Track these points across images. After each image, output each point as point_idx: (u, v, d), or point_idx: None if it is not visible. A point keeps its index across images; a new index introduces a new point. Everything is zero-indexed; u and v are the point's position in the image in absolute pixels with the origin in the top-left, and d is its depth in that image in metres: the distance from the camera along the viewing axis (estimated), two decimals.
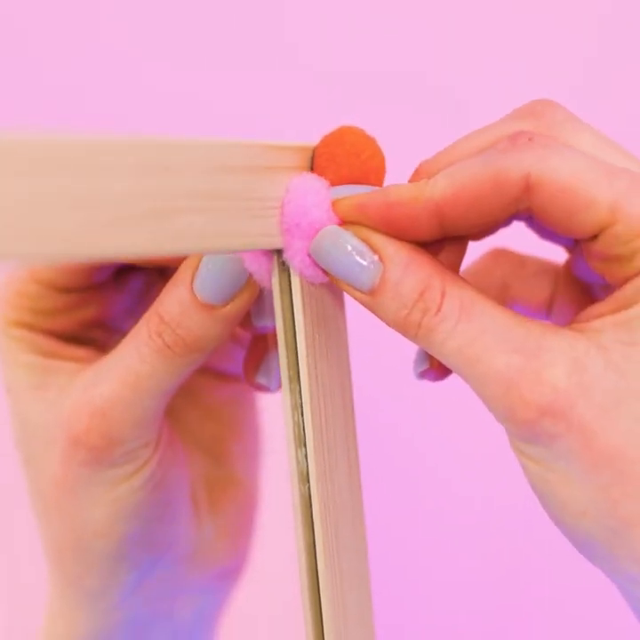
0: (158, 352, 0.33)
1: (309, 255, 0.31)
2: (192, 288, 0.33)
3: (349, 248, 0.31)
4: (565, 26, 0.64)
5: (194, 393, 0.40)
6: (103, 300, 0.38)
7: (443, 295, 0.30)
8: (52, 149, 0.25)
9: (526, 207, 0.30)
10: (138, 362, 0.34)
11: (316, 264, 0.31)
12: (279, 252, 0.32)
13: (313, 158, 0.32)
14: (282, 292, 0.32)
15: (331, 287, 0.33)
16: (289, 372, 0.32)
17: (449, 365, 0.31)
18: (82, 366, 0.36)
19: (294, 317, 0.32)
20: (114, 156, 0.26)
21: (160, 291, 0.34)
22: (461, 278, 0.31)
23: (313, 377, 0.32)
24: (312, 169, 0.32)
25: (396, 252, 0.30)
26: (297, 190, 0.31)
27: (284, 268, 0.32)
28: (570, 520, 0.30)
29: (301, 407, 0.32)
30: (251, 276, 0.33)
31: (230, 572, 0.42)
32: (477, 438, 0.65)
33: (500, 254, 0.39)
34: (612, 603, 0.65)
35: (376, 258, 0.31)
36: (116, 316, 0.39)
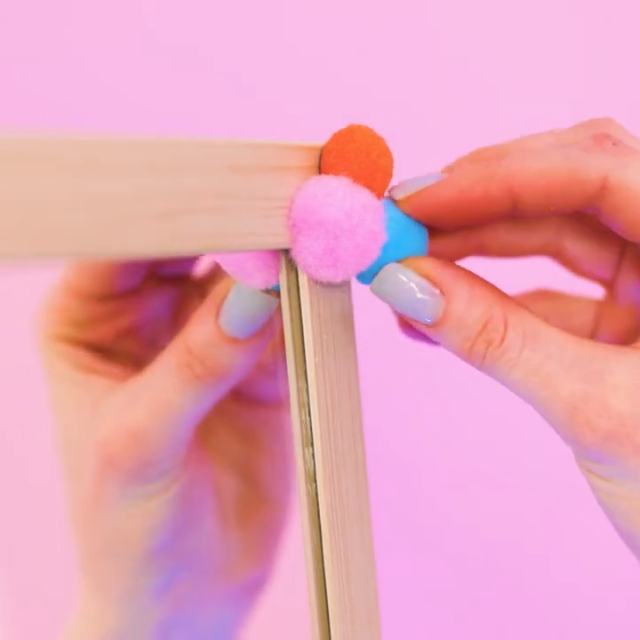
0: (188, 382, 0.34)
1: (314, 253, 0.31)
2: (218, 322, 0.34)
3: (411, 286, 0.31)
4: (564, 29, 0.64)
5: (228, 416, 0.41)
6: (138, 309, 0.40)
7: (505, 326, 0.30)
8: (61, 149, 0.24)
9: (597, 206, 0.31)
10: (169, 390, 0.35)
11: (320, 263, 0.31)
12: (287, 251, 0.32)
13: (321, 155, 0.32)
14: (289, 291, 0.32)
15: (339, 286, 0.33)
16: (296, 370, 0.32)
17: (514, 392, 0.31)
18: (115, 383, 0.38)
19: (302, 316, 0.32)
20: (121, 155, 0.26)
21: (194, 304, 0.36)
22: (520, 304, 0.31)
23: (320, 376, 0.32)
24: (320, 166, 0.32)
25: (458, 286, 0.31)
26: (308, 188, 0.31)
27: (292, 268, 0.32)
28: (635, 531, 0.31)
29: (308, 406, 0.32)
30: (275, 310, 0.33)
31: (254, 586, 0.43)
32: (486, 439, 0.65)
33: (538, 293, 0.39)
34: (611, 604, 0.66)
35: (437, 292, 0.31)
36: (151, 327, 0.40)
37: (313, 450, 0.32)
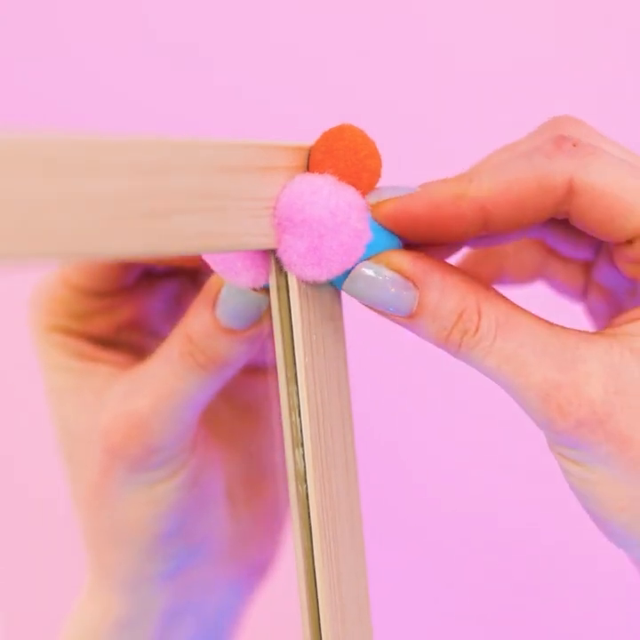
0: (190, 370, 0.35)
1: (298, 252, 0.31)
2: (214, 314, 0.35)
3: (384, 281, 0.31)
4: (564, 35, 0.64)
5: (227, 391, 0.41)
6: (136, 303, 0.40)
7: (479, 315, 0.31)
8: (50, 149, 0.24)
9: (566, 210, 0.31)
10: (172, 378, 0.35)
11: (305, 261, 0.31)
12: (275, 251, 0.32)
13: (310, 153, 0.32)
14: (279, 291, 0.32)
15: (328, 287, 0.33)
16: (286, 372, 0.32)
17: (488, 377, 0.32)
18: (116, 370, 0.38)
19: (291, 318, 0.32)
20: (111, 155, 0.26)
21: (193, 296, 0.36)
22: (493, 291, 0.32)
23: (310, 378, 0.32)
24: (308, 164, 0.32)
25: (431, 277, 0.31)
26: (293, 186, 0.31)
27: (281, 269, 0.32)
28: (608, 516, 0.31)
29: (299, 408, 0.32)
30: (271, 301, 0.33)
31: (260, 568, 0.44)
32: (476, 438, 0.65)
33: (533, 242, 0.40)
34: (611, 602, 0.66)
35: (411, 285, 0.31)
36: (151, 319, 0.41)
37: (303, 451, 0.32)
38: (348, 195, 0.31)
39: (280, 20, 0.67)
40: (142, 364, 0.37)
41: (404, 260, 0.31)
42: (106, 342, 0.39)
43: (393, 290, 0.31)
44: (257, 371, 0.42)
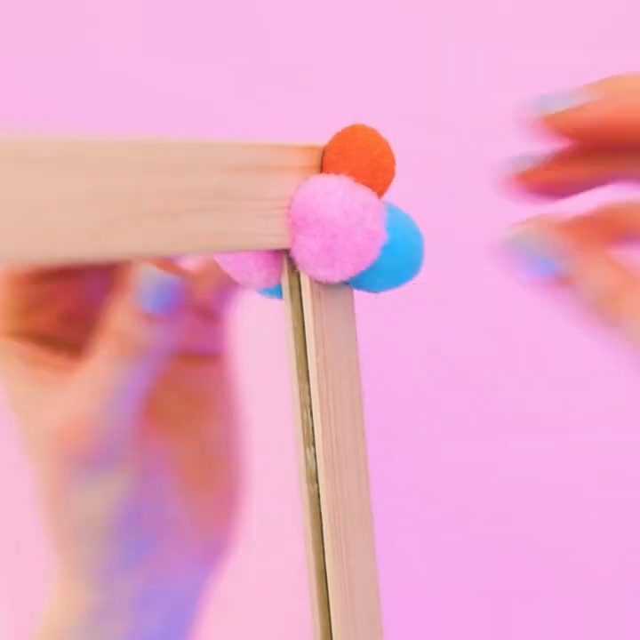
0: (121, 363, 0.36)
1: (311, 252, 0.31)
2: (134, 301, 0.36)
3: (545, 245, 0.32)
4: (564, 39, 0.64)
5: (169, 377, 0.42)
6: (73, 291, 0.41)
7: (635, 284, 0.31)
8: (50, 149, 0.25)
9: None
10: (106, 375, 0.37)
11: (318, 262, 0.31)
12: (288, 251, 0.32)
13: (323, 153, 0.32)
14: (291, 291, 0.32)
15: (341, 287, 0.33)
16: (298, 371, 0.32)
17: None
18: (61, 377, 0.39)
19: (304, 317, 0.32)
20: (121, 155, 0.26)
21: (124, 284, 0.37)
22: None
23: (322, 376, 0.32)
24: (322, 164, 0.32)
25: (587, 252, 0.32)
26: (307, 186, 0.31)
27: (294, 268, 0.32)
28: None
29: (310, 406, 0.32)
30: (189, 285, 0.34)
31: (220, 546, 0.45)
32: (485, 440, 0.65)
33: None
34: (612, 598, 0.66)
35: (567, 253, 0.32)
36: (90, 310, 0.41)
37: (314, 449, 0.33)
38: (363, 196, 0.31)
39: (290, 20, 0.67)
40: (83, 367, 0.38)
41: (563, 231, 0.32)
42: (52, 343, 0.41)
43: (552, 254, 0.32)
44: (196, 356, 0.43)
